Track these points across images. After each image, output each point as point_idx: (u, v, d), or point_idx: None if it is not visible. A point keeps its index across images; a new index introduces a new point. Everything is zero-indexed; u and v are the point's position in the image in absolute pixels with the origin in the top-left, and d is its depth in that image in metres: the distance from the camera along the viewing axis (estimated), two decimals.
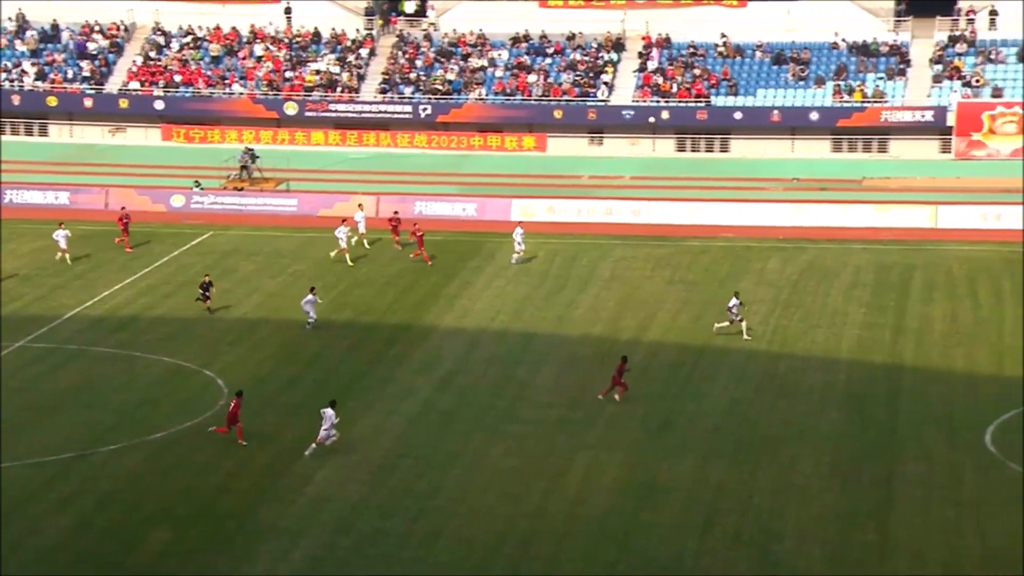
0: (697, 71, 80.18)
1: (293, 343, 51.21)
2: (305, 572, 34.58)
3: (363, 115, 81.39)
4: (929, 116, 75.99)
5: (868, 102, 77.06)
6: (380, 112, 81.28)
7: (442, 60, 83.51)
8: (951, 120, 75.70)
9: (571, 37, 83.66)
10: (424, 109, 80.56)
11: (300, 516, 37.31)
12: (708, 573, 34.37)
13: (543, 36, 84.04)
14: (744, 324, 50.44)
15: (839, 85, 77.99)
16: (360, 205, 65.38)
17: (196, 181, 72.59)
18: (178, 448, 41.69)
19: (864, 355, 48.97)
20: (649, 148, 79.14)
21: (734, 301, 50.81)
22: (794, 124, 77.45)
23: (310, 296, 52.18)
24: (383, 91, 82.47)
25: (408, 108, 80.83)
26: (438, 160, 78.19)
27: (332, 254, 61.20)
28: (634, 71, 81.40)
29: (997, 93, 76.11)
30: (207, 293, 54.12)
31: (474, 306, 55.65)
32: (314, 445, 40.84)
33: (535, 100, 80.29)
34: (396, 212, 65.20)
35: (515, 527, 36.88)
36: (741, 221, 66.87)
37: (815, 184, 72.11)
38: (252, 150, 75.53)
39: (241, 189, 73.09)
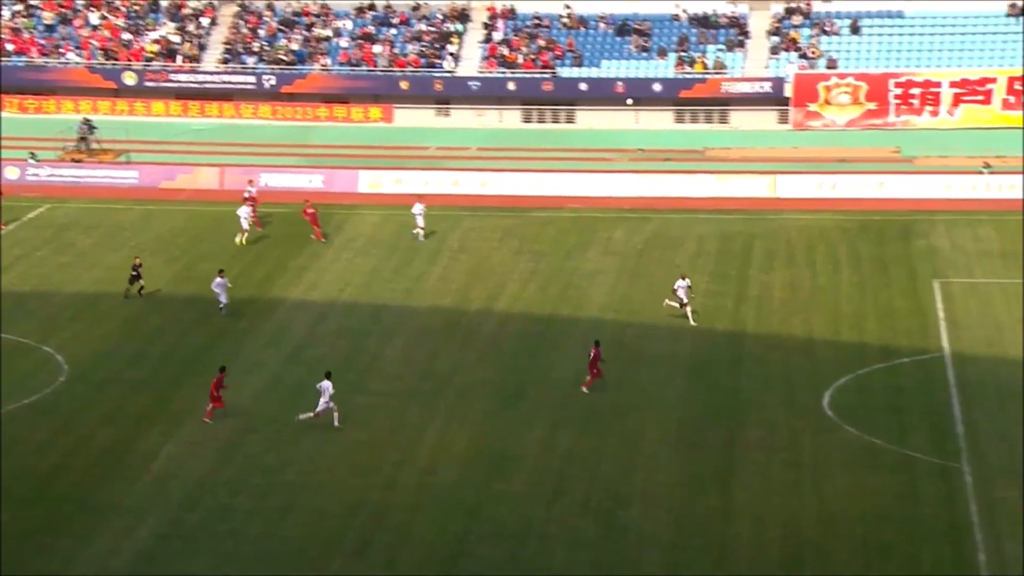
0: (542, 42, 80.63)
1: (136, 318, 50.52)
2: (150, 550, 34.28)
3: (205, 85, 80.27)
4: (767, 87, 77.46)
5: (709, 73, 78.30)
6: (223, 82, 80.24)
7: (285, 30, 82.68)
8: (788, 91, 77.28)
9: (416, 7, 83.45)
10: (268, 79, 79.74)
11: (145, 494, 36.96)
12: (557, 539, 34.90)
13: (388, 6, 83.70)
14: (689, 309, 49.11)
15: (681, 56, 79.10)
16: (250, 181, 64.09)
17: (31, 153, 70.94)
18: (15, 426, 40.93)
19: (708, 323, 49.97)
20: (496, 119, 79.42)
21: (681, 283, 49.59)
22: (638, 95, 78.35)
23: (219, 279, 50.50)
24: (225, 61, 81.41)
25: (251, 78, 79.92)
26: (283, 131, 77.53)
27: (237, 239, 59.46)
28: (479, 42, 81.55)
29: (832, 64, 77.88)
30: (138, 274, 52.22)
31: (322, 279, 55.45)
32: (311, 415, 40.60)
33: (381, 71, 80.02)
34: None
35: (366, 499, 37.01)
36: (587, 192, 67.56)
37: (659, 155, 73.14)
38: (90, 121, 74.02)
39: (79, 161, 71.67)
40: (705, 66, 78.66)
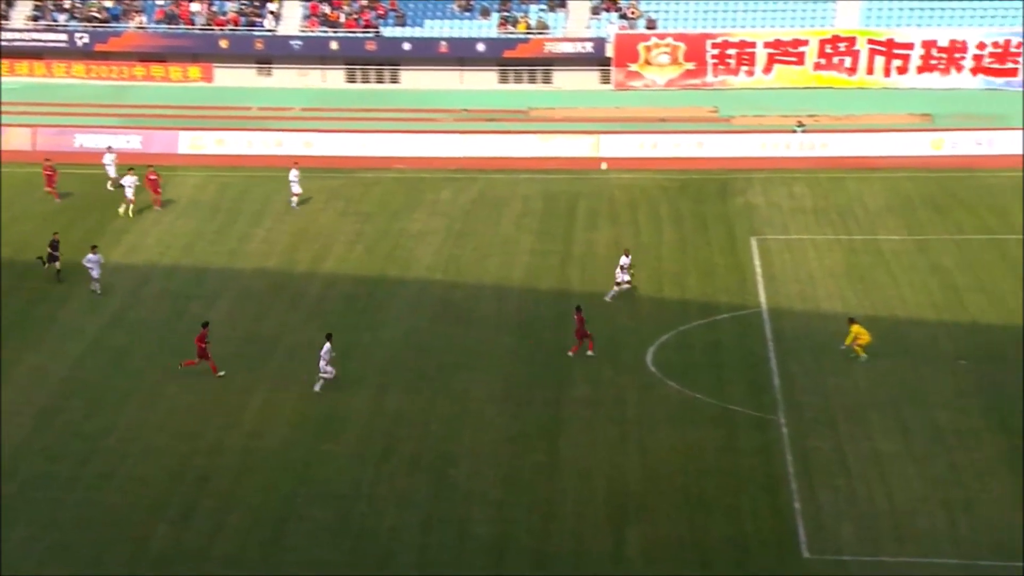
0: (364, 1, 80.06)
1: None
2: None
3: (14, 43, 77.86)
4: (589, 47, 78.13)
5: (532, 33, 78.65)
6: (33, 40, 77.95)
7: None
8: (609, 51, 78.10)
9: None
10: (81, 37, 77.70)
11: None
12: (386, 499, 35.03)
13: None
14: (622, 287, 47.66)
15: (504, 16, 79.29)
16: (109, 148, 62.05)
17: None
18: None
19: (534, 282, 50.44)
20: (319, 79, 78.70)
21: (624, 259, 48.24)
22: (462, 55, 78.38)
23: (92, 255, 48.34)
24: (35, 19, 79.10)
25: (63, 36, 77.81)
26: (98, 91, 75.70)
27: (121, 209, 57.68)
28: (300, 0, 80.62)
29: (651, 25, 78.86)
30: (55, 253, 49.63)
31: (143, 241, 54.46)
32: (328, 377, 40.57)
33: (199, 29, 78.62)
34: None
35: (191, 464, 36.65)
36: (413, 152, 67.45)
37: (483, 115, 73.30)
38: None
39: None
40: (528, 26, 78.98)
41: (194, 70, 78.33)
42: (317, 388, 40.64)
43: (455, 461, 37.05)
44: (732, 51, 77.23)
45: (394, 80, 78.99)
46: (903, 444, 37.31)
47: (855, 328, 42.26)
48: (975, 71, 75.77)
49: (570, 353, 43.31)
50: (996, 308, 46.63)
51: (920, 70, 76.00)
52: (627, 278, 47.84)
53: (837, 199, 59.91)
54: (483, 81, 78.82)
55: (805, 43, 76.86)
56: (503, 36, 78.79)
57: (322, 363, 40.67)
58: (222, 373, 41.49)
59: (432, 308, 47.74)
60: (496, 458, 37.21)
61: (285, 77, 78.83)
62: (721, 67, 77.68)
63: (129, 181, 57.56)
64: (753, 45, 77.04)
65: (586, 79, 78.69)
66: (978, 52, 75.57)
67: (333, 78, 79.01)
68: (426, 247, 54.03)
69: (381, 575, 32.16)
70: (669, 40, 77.73)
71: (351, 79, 79.02)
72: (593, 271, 51.71)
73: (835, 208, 58.70)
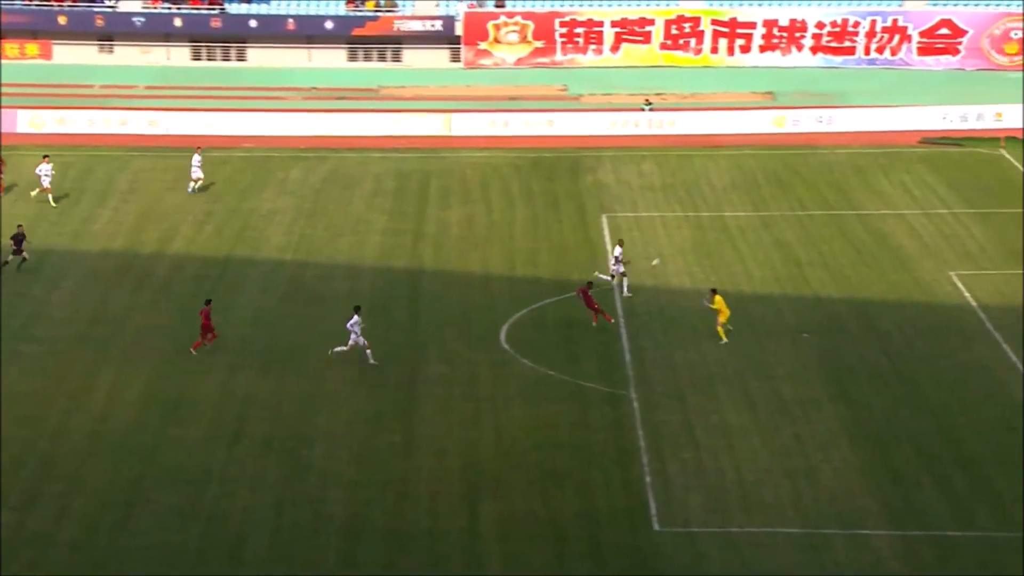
0: None
1: None
2: None
3: None
4: (438, 26, 77.99)
5: (381, 11, 78.23)
6: None
7: None
8: (459, 29, 78.08)
9: None
10: None
11: None
12: (238, 482, 34.71)
13: None
14: (626, 280, 46.27)
15: None
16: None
17: None
18: None
19: (386, 261, 50.30)
20: (163, 56, 77.33)
21: (619, 250, 46.85)
22: (310, 33, 77.65)
23: None
24: None
25: None
26: None
27: (33, 193, 55.69)
28: None
29: (500, 3, 79.02)
30: (20, 247, 47.38)
31: None
32: (344, 348, 40.76)
33: (36, 5, 76.66)
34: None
35: (34, 449, 35.92)
36: (261, 131, 66.73)
37: (333, 93, 72.77)
38: None
39: None
40: (377, 4, 78.54)
41: (32, 47, 76.39)
42: (372, 359, 40.79)
43: (308, 442, 36.85)
44: (580, 30, 77.74)
45: (241, 58, 77.96)
46: (749, 416, 38.06)
47: (718, 299, 42.88)
48: (815, 50, 77.30)
49: (609, 321, 43.72)
50: (836, 282, 47.74)
51: (762, 49, 77.32)
52: (621, 269, 46.62)
53: (684, 176, 60.75)
54: (332, 59, 78.20)
55: (651, 23, 77.66)
56: (352, 14, 78.24)
57: (353, 336, 40.66)
58: (195, 352, 41.06)
59: (283, 288, 47.34)
60: (350, 438, 37.10)
61: (128, 54, 77.28)
62: (570, 46, 78.15)
63: (45, 170, 55.58)
64: (601, 24, 77.62)
65: (436, 57, 78.55)
66: (817, 31, 77.11)
67: (178, 56, 77.68)
68: (276, 227, 53.53)
69: (234, 557, 31.88)
70: (518, 19, 77.94)
71: (196, 57, 77.78)
72: (446, 250, 51.74)
73: (683, 185, 59.52)
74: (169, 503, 33.78)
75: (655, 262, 47.13)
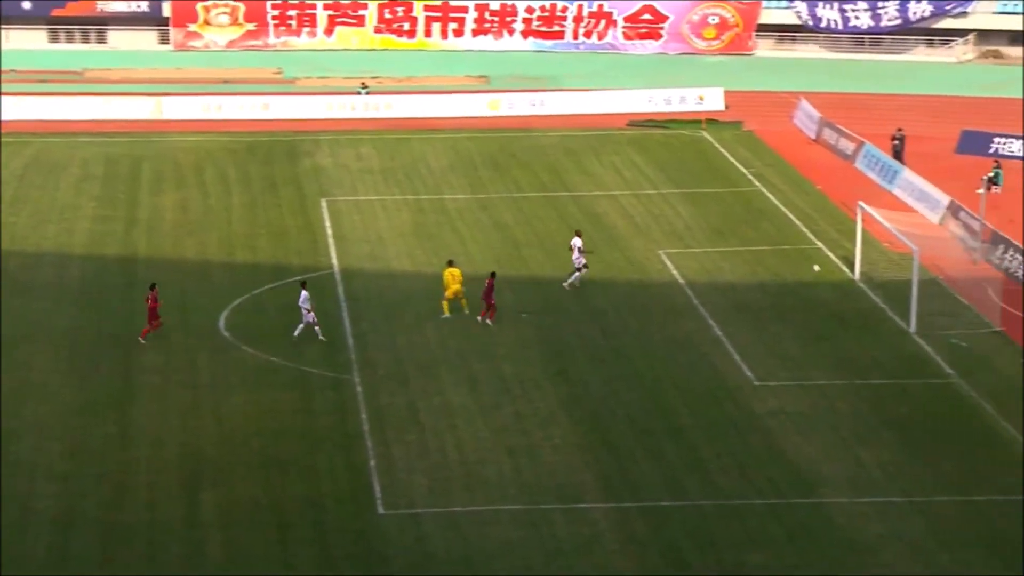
0: None
1: None
2: None
3: None
4: (145, 7, 76.26)
5: None
6: None
7: None
8: (167, 11, 76.44)
9: None
10: None
11: None
12: None
13: None
14: (580, 273, 45.43)
15: None
16: None
17: None
18: None
19: (98, 249, 48.92)
20: None
21: (578, 241, 45.81)
22: (8, 13, 74.75)
23: None
24: None
25: None
26: None
27: None
28: None
29: None
30: None
31: None
32: (301, 325, 40.53)
33: None
34: None
35: None
36: None
37: (34, 76, 70.23)
38: None
39: None
40: None
41: None
42: (321, 336, 41.04)
43: (17, 436, 35.57)
44: (293, 12, 77.22)
45: None
46: (471, 396, 38.53)
47: (448, 272, 43.18)
48: (526, 34, 78.74)
49: (478, 318, 42.64)
50: (553, 262, 48.74)
51: (475, 33, 78.33)
52: (584, 261, 45.77)
53: (403, 159, 60.98)
54: (31, 40, 75.54)
55: (364, 6, 77.75)
56: None
57: (304, 313, 40.64)
58: (143, 341, 40.35)
59: None
60: (62, 430, 35.98)
61: None
62: (282, 28, 77.52)
63: None
64: (314, 7, 77.28)
65: (143, 39, 76.80)
66: (527, 16, 78.55)
67: None
68: None
69: None
70: (229, 0, 76.81)
71: None
72: (160, 236, 50.64)
73: (401, 168, 59.74)
74: None
75: (816, 268, 47.13)
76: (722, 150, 62.77)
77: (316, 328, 41.34)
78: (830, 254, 49.67)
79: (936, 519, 32.25)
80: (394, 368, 40.23)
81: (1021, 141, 60.86)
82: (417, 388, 38.95)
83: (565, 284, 45.88)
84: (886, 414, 37.56)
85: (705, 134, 65.18)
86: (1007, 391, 38.93)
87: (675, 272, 47.86)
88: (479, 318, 42.81)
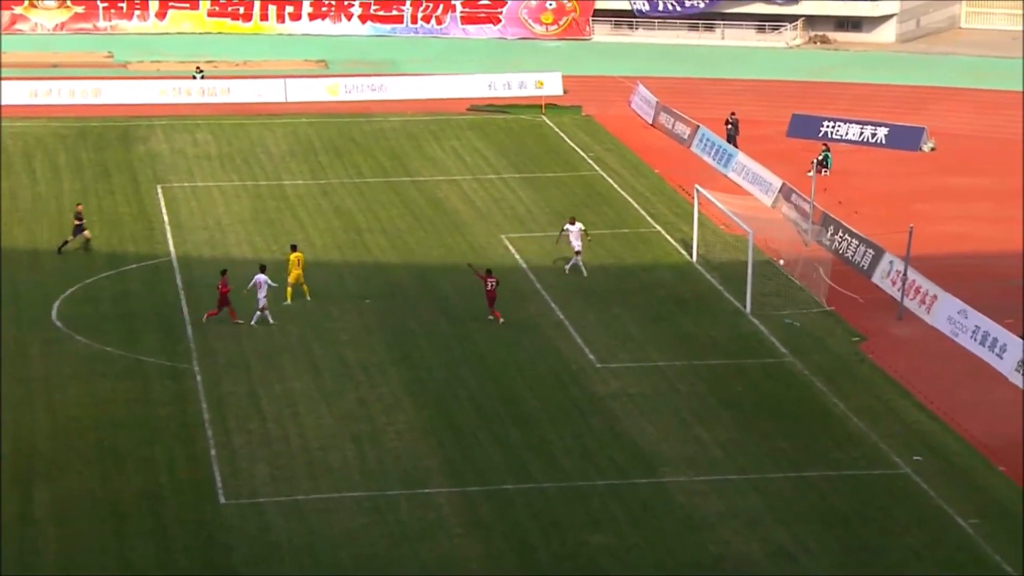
0: None
1: None
2: None
3: None
4: None
5: None
6: None
7: None
8: None
9: None
10: None
11: None
12: None
13: None
14: (580, 258, 45.02)
15: None
16: None
17: None
18: None
19: None
20: None
21: (572, 227, 45.32)
22: None
23: None
24: None
25: None
26: None
27: None
28: None
29: None
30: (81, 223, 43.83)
31: None
32: (258, 313, 40.07)
33: None
34: None
35: None
36: None
37: None
38: None
39: None
40: None
41: None
42: (270, 320, 40.80)
43: None
44: None
45: None
46: (314, 383, 38.26)
47: (292, 256, 42.80)
48: (363, 18, 78.34)
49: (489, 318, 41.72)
50: (395, 248, 48.63)
51: (312, 17, 77.74)
52: (579, 246, 45.24)
53: (241, 145, 60.25)
54: None
55: None
56: None
57: (261, 296, 40.61)
58: (240, 321, 40.49)
59: None
60: None
61: None
62: (112, 11, 76.07)
63: None
64: None
65: None
66: (365, 0, 78.15)
67: None
68: None
69: None
70: None
71: None
72: None
73: (239, 154, 59.03)
74: None
75: (781, 261, 46.43)
76: (562, 135, 63.20)
77: (265, 313, 40.82)
78: (668, 237, 50.36)
79: (772, 495, 32.92)
80: (235, 356, 39.73)
81: (848, 124, 62.40)
82: (259, 376, 38.55)
83: (568, 269, 45.68)
84: (724, 393, 38.24)
85: (545, 119, 65.55)
86: (838, 369, 39.91)
87: (517, 256, 48.08)
88: (491, 318, 41.82)
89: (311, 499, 32.39)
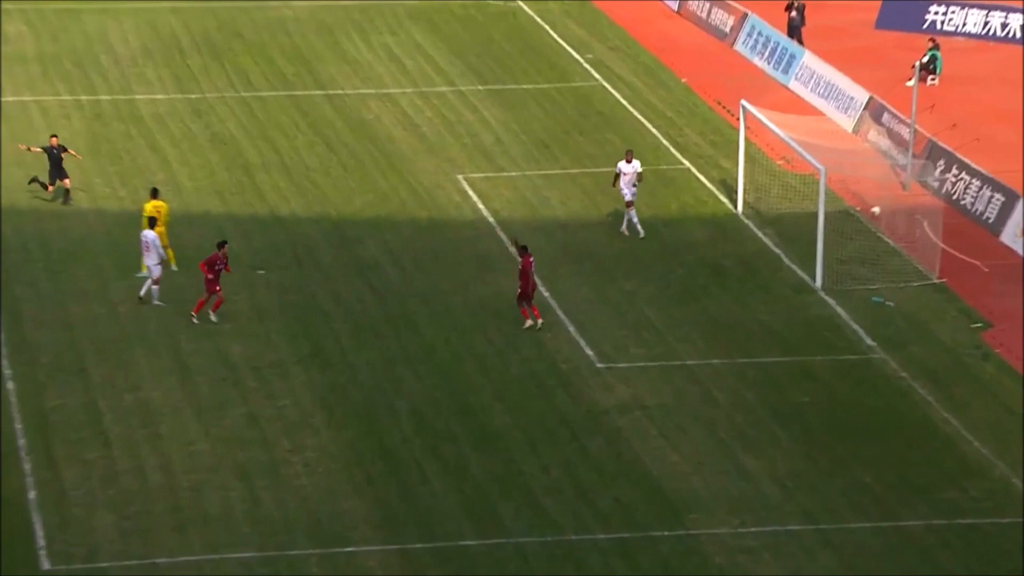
0: None
1: None
2: None
3: None
4: None
5: None
6: None
7: None
8: None
9: None
10: None
11: None
12: None
13: None
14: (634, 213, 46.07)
15: None
16: None
17: None
18: None
19: None
20: None
21: (628, 166, 45.83)
22: None
23: None
24: None
25: None
26: None
27: None
28: None
29: None
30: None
31: None
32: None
33: None
34: None
35: None
36: None
37: None
38: None
39: None
40: None
41: None
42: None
43: None
44: None
45: None
46: (183, 392, 38.35)
47: (156, 206, 43.00)
48: None
49: (529, 323, 41.33)
50: (302, 193, 48.95)
51: None
52: (631, 195, 45.93)
53: (72, 42, 61.11)
54: None
55: None
56: None
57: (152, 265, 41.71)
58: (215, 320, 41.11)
59: None
60: None
61: None
62: None
63: None
64: None
65: None
66: None
67: None
68: None
69: None
70: None
71: None
72: None
73: (70, 55, 59.89)
74: None
75: (875, 210, 47.42)
76: (546, 27, 63.29)
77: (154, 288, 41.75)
78: (701, 177, 50.50)
79: (851, 553, 33.08)
80: (66, 352, 39.83)
81: (967, 10, 62.44)
82: (100, 381, 38.66)
83: (624, 229, 46.22)
84: (782, 405, 38.41)
85: (521, 3, 65.61)
86: (951, 369, 40.05)
87: (481, 205, 48.23)
88: (530, 322, 41.30)
89: (178, 563, 32.50)
